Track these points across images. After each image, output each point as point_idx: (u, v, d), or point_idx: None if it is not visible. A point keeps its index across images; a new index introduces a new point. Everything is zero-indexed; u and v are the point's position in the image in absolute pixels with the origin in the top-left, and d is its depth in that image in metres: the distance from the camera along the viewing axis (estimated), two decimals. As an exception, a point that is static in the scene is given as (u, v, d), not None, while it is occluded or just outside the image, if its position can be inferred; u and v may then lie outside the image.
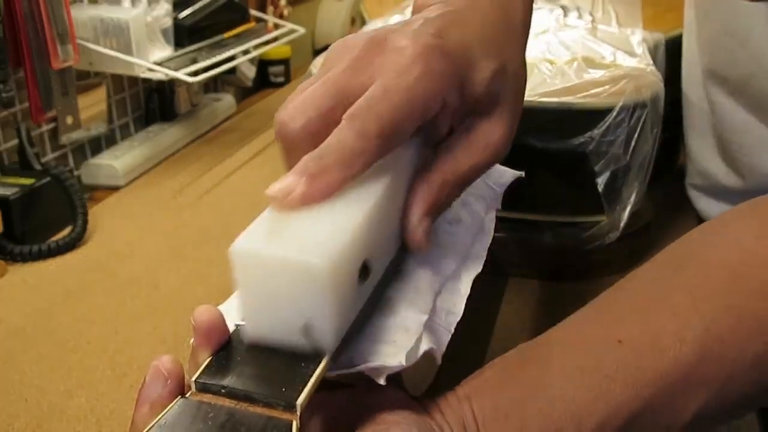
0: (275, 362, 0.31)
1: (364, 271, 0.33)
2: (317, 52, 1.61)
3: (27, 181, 0.78)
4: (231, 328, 0.33)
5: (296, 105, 0.35)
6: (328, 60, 0.38)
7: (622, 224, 0.65)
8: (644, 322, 0.37)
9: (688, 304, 0.37)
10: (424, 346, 0.35)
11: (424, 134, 0.39)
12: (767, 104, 0.59)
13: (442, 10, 0.40)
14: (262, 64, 1.36)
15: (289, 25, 1.21)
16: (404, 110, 0.35)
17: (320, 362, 0.31)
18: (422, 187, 0.37)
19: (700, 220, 0.74)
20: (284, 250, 0.30)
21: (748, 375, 0.36)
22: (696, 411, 0.36)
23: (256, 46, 1.13)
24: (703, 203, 0.71)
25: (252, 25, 1.16)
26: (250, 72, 1.27)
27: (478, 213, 0.47)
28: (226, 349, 0.32)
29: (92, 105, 0.95)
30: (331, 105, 0.35)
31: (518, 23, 0.43)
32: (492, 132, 0.40)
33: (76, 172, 0.94)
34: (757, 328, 0.36)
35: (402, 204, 0.37)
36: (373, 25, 0.89)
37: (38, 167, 0.81)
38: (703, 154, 0.69)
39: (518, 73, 0.42)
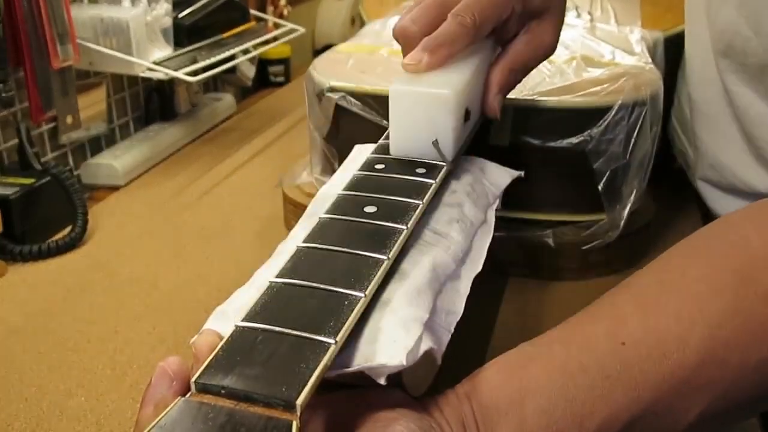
0: (276, 359, 0.31)
1: (467, 114, 0.50)
2: (317, 52, 1.61)
3: (27, 181, 0.78)
4: (230, 328, 0.33)
5: (413, 15, 0.51)
6: None
7: (622, 223, 0.65)
8: (648, 324, 0.37)
9: (693, 307, 0.37)
10: (424, 346, 0.35)
11: (497, 35, 0.55)
12: None
13: None
14: (262, 64, 1.36)
15: (289, 25, 1.21)
16: (488, 11, 0.51)
17: (322, 357, 0.31)
18: (496, 72, 0.54)
19: (705, 216, 0.73)
20: (423, 87, 0.47)
21: (751, 379, 0.36)
22: (698, 414, 0.36)
23: (256, 46, 1.13)
24: (717, 198, 0.69)
25: (252, 24, 1.16)
26: (250, 71, 1.27)
27: (478, 213, 0.48)
28: (226, 349, 0.32)
29: (92, 105, 0.95)
30: (437, 13, 0.51)
31: None
32: (545, 34, 0.56)
33: (75, 172, 0.94)
34: (761, 333, 0.36)
35: (481, 84, 0.54)
36: (373, 26, 0.89)
37: (38, 167, 0.81)
38: (717, 146, 0.67)
39: None
